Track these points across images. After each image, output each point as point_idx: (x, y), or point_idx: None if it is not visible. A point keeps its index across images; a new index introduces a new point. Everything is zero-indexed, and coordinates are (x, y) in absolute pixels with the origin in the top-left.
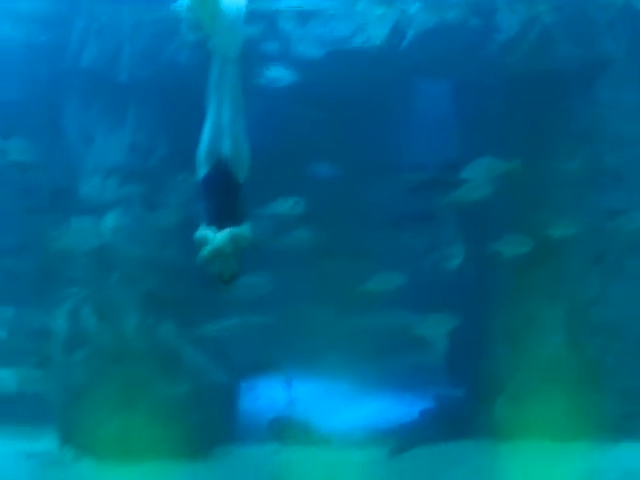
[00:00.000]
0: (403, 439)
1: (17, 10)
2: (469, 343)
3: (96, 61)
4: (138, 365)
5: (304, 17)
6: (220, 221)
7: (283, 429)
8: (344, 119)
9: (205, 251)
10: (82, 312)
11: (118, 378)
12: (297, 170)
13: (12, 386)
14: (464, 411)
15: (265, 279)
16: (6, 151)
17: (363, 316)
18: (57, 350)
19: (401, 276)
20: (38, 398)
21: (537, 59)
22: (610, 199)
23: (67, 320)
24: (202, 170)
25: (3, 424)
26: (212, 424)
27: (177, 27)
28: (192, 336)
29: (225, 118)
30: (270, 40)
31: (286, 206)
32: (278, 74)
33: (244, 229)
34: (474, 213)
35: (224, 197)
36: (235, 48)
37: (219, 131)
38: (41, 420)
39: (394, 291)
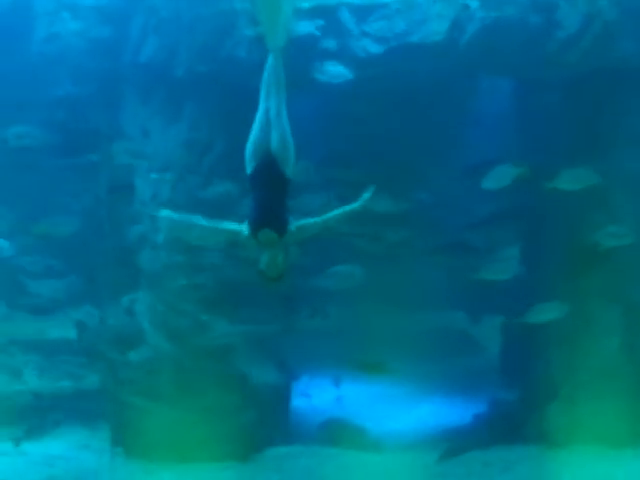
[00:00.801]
0: (455, 443)
1: (77, 4)
2: (523, 346)
3: (154, 56)
4: (191, 365)
5: (364, 13)
6: (266, 216)
7: (334, 432)
8: (403, 115)
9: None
10: (137, 309)
11: (171, 378)
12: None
13: (68, 383)
14: (517, 415)
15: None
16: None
17: (417, 317)
18: (111, 348)
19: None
20: (92, 397)
21: (598, 56)
22: None
23: (123, 317)
24: (250, 165)
25: (57, 422)
26: (264, 425)
27: (236, 22)
28: (246, 335)
29: (272, 112)
30: (330, 36)
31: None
32: (338, 70)
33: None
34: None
35: (272, 192)
36: (283, 39)
37: (267, 125)
38: (95, 419)
39: (450, 293)
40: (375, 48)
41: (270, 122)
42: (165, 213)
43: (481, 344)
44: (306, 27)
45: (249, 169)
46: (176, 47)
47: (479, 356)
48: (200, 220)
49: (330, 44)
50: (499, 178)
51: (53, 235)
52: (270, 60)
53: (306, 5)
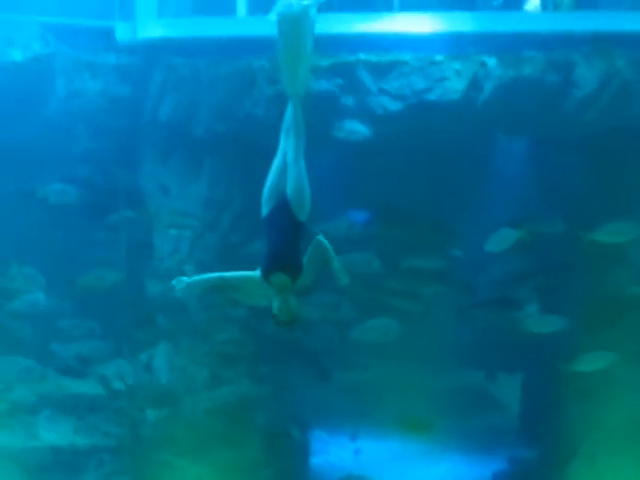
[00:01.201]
0: None
1: (97, 61)
2: (543, 403)
3: (173, 114)
4: (210, 420)
5: (382, 70)
6: (279, 260)
7: None
8: (421, 171)
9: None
10: (156, 365)
11: (190, 433)
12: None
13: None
14: (537, 474)
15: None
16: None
17: (442, 373)
18: (131, 404)
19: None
20: (112, 451)
21: (615, 116)
22: None
23: (141, 374)
24: (265, 208)
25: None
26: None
27: (255, 80)
28: (261, 390)
29: (290, 156)
30: (348, 93)
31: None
32: (356, 127)
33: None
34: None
35: (285, 236)
36: (302, 87)
37: (284, 170)
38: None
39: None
40: (393, 105)
41: (287, 166)
42: (181, 285)
43: (501, 402)
44: (325, 85)
45: (264, 212)
46: (195, 105)
47: (499, 414)
48: (214, 275)
49: (348, 101)
50: (501, 241)
51: (97, 287)
52: (289, 107)
53: (325, 63)
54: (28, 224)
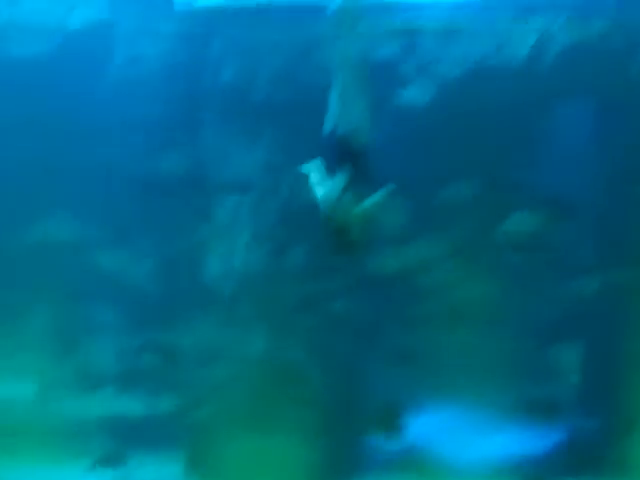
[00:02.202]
0: (535, 472)
1: (157, 29)
2: (604, 373)
3: (233, 80)
4: (268, 388)
5: (444, 35)
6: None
7: (412, 460)
8: (483, 139)
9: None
10: (210, 332)
11: (246, 401)
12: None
13: (139, 410)
14: (598, 445)
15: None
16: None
17: (495, 343)
18: (184, 371)
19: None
20: (165, 422)
21: None
22: None
23: (195, 340)
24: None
25: (131, 449)
26: (341, 451)
27: (313, 48)
28: (321, 360)
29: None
30: (409, 59)
31: None
32: (417, 93)
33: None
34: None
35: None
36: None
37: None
38: (168, 445)
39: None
40: (454, 71)
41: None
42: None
43: (562, 370)
44: (386, 50)
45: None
46: (255, 72)
47: (560, 382)
48: None
49: (409, 66)
50: None
51: None
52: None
53: (384, 29)
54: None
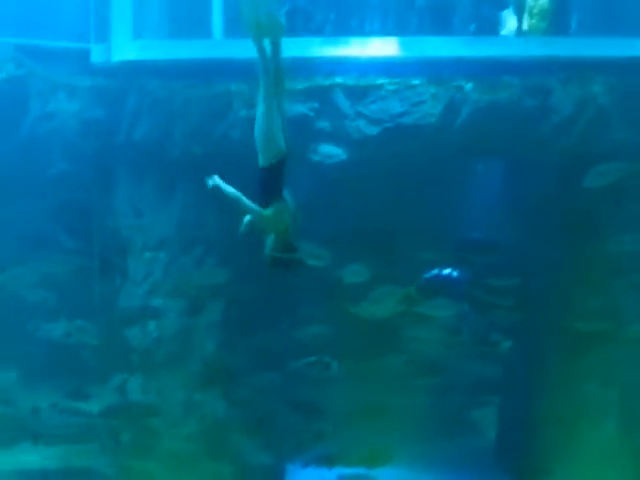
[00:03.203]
0: None
1: (72, 83)
2: (519, 427)
3: (148, 136)
4: (185, 444)
5: (359, 94)
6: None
7: None
8: (397, 195)
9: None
10: (130, 386)
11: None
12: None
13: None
14: None
15: None
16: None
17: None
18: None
19: None
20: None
21: (592, 141)
22: None
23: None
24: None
25: None
26: None
27: (230, 103)
28: (239, 415)
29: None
30: (325, 117)
31: None
32: (332, 150)
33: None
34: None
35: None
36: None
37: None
38: None
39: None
40: (369, 129)
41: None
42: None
43: (478, 427)
44: (300, 108)
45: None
46: (170, 128)
47: (476, 439)
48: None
49: (325, 124)
50: None
51: None
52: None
53: (300, 86)
54: None
